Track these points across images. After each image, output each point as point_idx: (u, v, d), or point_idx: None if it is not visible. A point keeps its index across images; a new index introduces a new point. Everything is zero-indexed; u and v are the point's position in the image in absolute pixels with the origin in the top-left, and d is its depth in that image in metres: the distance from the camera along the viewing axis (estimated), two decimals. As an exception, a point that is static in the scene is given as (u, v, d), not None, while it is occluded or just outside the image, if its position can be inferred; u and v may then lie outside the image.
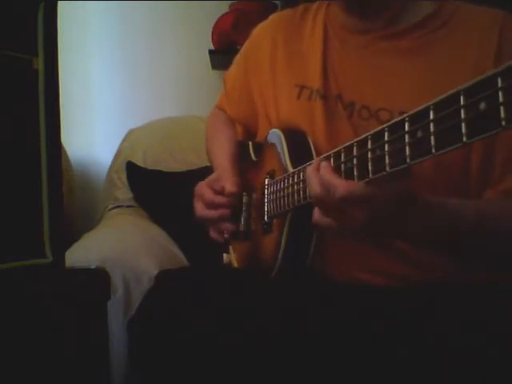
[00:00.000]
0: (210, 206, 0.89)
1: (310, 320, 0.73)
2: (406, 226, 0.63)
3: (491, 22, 0.77)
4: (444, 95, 0.47)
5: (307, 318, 0.74)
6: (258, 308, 0.74)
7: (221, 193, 0.89)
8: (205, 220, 0.91)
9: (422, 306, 0.68)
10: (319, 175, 0.61)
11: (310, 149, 0.81)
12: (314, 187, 0.62)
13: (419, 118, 0.49)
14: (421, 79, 0.77)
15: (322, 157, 0.67)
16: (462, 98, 0.44)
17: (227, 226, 0.90)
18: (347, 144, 0.61)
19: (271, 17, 1.02)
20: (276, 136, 0.88)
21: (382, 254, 0.78)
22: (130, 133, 1.83)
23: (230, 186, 0.88)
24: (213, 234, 0.93)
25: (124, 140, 1.82)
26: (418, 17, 0.80)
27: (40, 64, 0.60)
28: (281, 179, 0.81)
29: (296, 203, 0.74)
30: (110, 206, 1.68)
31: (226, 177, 0.91)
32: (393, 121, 0.54)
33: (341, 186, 0.57)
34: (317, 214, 0.64)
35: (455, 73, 0.75)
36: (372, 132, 0.57)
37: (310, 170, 0.64)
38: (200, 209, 0.91)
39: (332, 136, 0.82)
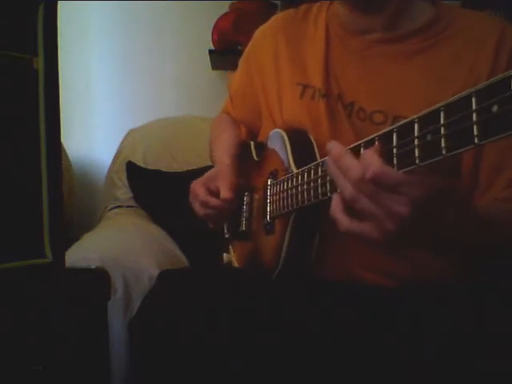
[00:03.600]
0: (205, 206, 0.89)
1: (310, 320, 0.73)
2: (451, 228, 0.55)
3: (489, 31, 0.77)
4: (456, 97, 0.46)
5: (308, 318, 0.74)
6: (259, 308, 0.74)
7: (215, 193, 0.88)
8: (204, 218, 0.91)
9: (421, 306, 0.68)
10: (362, 156, 0.51)
11: (314, 149, 0.81)
12: (355, 169, 0.51)
13: (431, 120, 0.48)
14: (417, 84, 0.78)
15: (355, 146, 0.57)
16: (473, 100, 0.44)
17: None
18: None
19: (273, 18, 1.03)
20: (279, 136, 0.88)
21: (384, 254, 0.78)
22: (130, 133, 1.83)
23: (225, 191, 0.86)
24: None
25: (124, 140, 1.82)
26: (418, 22, 0.81)
27: (40, 64, 0.60)
28: (284, 180, 0.81)
29: (300, 204, 0.74)
30: (109, 206, 1.68)
31: (222, 177, 0.89)
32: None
33: (373, 164, 0.49)
34: (345, 220, 0.54)
35: (450, 79, 0.76)
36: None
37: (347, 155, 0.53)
38: (198, 208, 0.91)
39: (335, 135, 0.82)
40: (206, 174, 0.93)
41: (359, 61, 0.83)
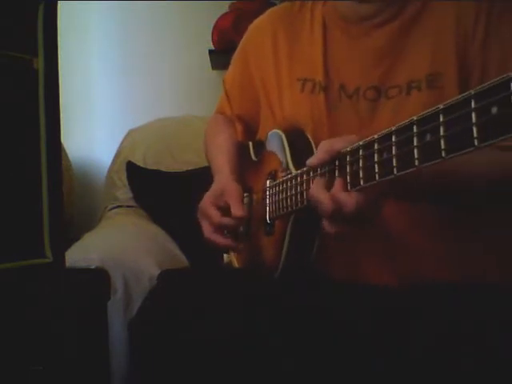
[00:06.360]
0: (220, 228, 0.86)
1: (311, 320, 0.74)
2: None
3: None
4: (454, 99, 0.46)
5: (308, 318, 0.74)
6: (259, 309, 0.74)
7: (225, 210, 0.85)
8: (213, 243, 0.88)
9: (422, 306, 0.68)
10: (331, 194, 0.63)
11: (312, 149, 0.80)
12: (327, 205, 0.62)
13: (427, 122, 0.49)
14: (419, 52, 0.78)
15: (315, 171, 0.69)
16: (472, 101, 0.44)
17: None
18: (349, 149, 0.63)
19: (268, 11, 1.02)
20: (277, 137, 0.87)
21: (384, 254, 0.78)
22: (130, 133, 1.83)
23: (236, 208, 0.83)
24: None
25: (124, 140, 1.82)
26: None
27: (40, 64, 0.60)
28: (283, 181, 0.81)
29: (300, 205, 0.74)
30: (109, 206, 1.68)
31: (229, 192, 0.86)
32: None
33: (349, 203, 0.61)
34: (328, 226, 0.64)
35: (451, 41, 0.77)
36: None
37: (318, 189, 0.65)
38: (208, 231, 0.87)
39: (335, 129, 0.82)
40: (212, 191, 0.89)
41: (362, 45, 0.83)
